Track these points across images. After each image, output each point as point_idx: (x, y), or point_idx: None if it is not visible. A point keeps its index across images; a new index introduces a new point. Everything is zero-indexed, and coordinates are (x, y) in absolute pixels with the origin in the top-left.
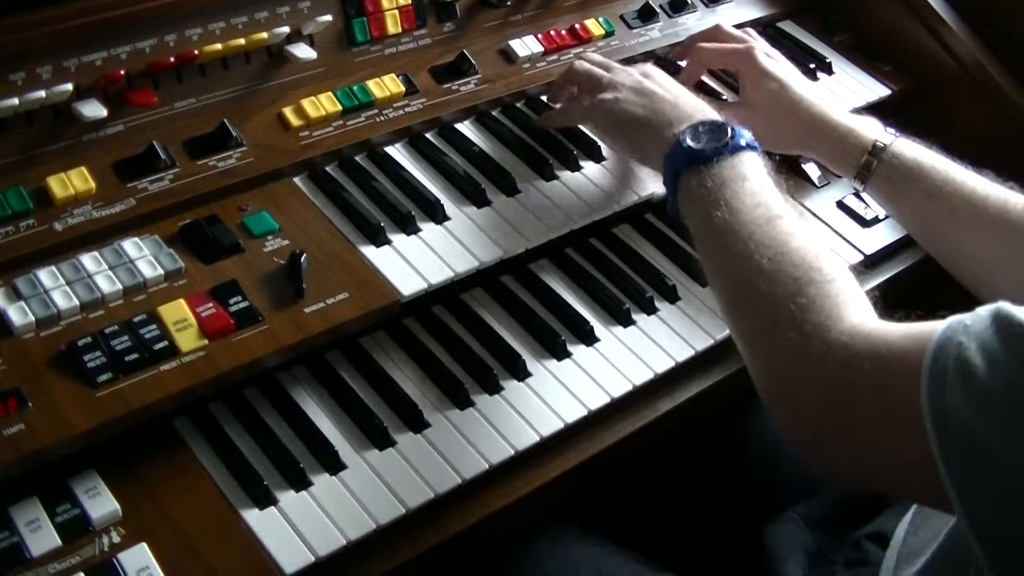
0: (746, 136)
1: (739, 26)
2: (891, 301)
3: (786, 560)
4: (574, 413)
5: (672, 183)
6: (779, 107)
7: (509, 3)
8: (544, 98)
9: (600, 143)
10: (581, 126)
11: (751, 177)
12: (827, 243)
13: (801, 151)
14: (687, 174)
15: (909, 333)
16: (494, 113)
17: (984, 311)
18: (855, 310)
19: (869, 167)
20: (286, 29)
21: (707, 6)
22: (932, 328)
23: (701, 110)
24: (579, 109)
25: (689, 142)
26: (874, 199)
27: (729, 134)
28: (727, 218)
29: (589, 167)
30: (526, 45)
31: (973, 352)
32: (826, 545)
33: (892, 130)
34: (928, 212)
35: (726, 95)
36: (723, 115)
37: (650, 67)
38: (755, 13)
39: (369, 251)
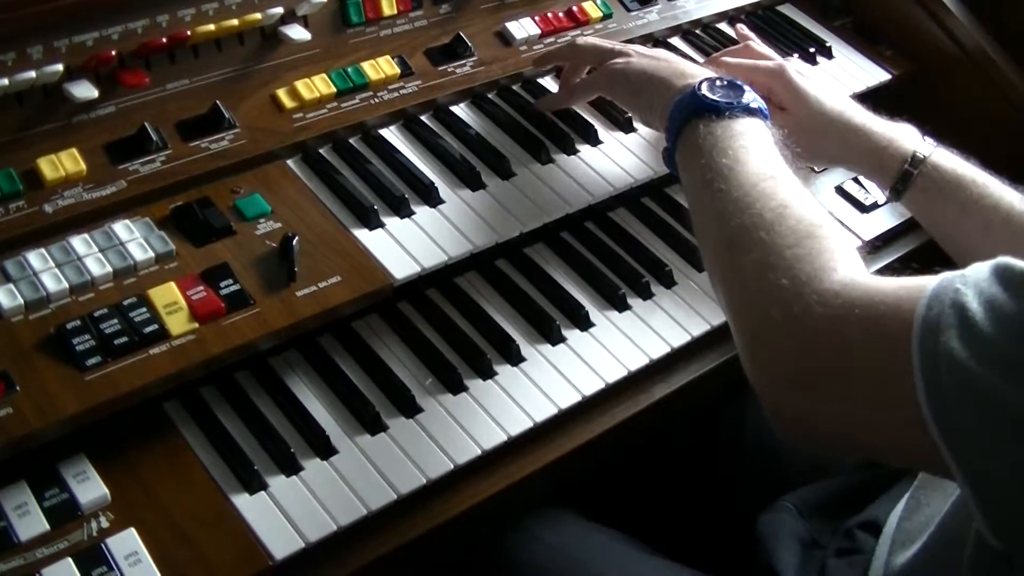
0: (761, 103)
1: (739, 11)
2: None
3: (778, 548)
4: (568, 399)
5: (676, 128)
6: (816, 124)
7: None
8: (541, 81)
9: (595, 126)
10: (583, 101)
11: (760, 138)
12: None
13: (840, 165)
14: (696, 120)
15: (903, 284)
16: (490, 96)
17: (983, 264)
18: (849, 264)
19: (907, 178)
20: (280, 10)
21: None
22: (926, 281)
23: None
24: (583, 84)
25: (705, 91)
26: (908, 210)
27: (745, 95)
28: (733, 165)
29: (585, 151)
30: (523, 27)
31: (971, 299)
32: (819, 534)
33: (930, 140)
34: (962, 226)
35: None
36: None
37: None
38: None
39: (362, 234)
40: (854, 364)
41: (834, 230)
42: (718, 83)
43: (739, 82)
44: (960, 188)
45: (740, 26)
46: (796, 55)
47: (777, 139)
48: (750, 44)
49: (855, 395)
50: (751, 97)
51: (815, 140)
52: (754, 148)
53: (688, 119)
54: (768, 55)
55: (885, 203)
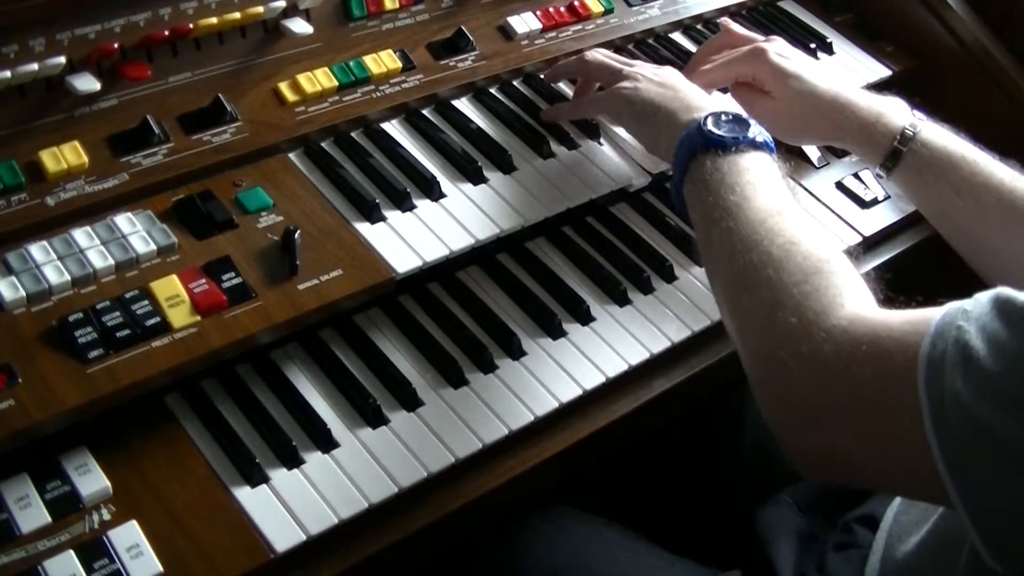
0: (766, 135)
1: (740, 6)
2: (890, 283)
3: (777, 542)
4: (569, 393)
5: (682, 164)
6: (804, 104)
7: None
8: (542, 76)
9: (596, 121)
10: (593, 115)
11: (768, 173)
12: (826, 226)
13: (831, 142)
14: (702, 156)
15: (908, 319)
16: (492, 90)
17: (983, 296)
18: (856, 298)
19: (897, 156)
20: (282, 3)
21: None
22: (931, 314)
23: (723, 103)
24: (595, 100)
25: (710, 126)
26: (897, 187)
27: (751, 129)
28: (739, 202)
29: (587, 146)
30: (525, 22)
31: (973, 336)
32: (817, 528)
33: (920, 114)
34: (953, 203)
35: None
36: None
37: (668, 68)
38: None
39: (364, 228)
40: (863, 401)
41: (841, 264)
42: (723, 118)
43: (744, 116)
44: (950, 166)
45: (724, 19)
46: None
47: (783, 172)
48: (729, 28)
49: (865, 431)
50: (756, 131)
51: (802, 120)
52: (761, 183)
53: (694, 155)
54: (749, 37)
55: (885, 199)
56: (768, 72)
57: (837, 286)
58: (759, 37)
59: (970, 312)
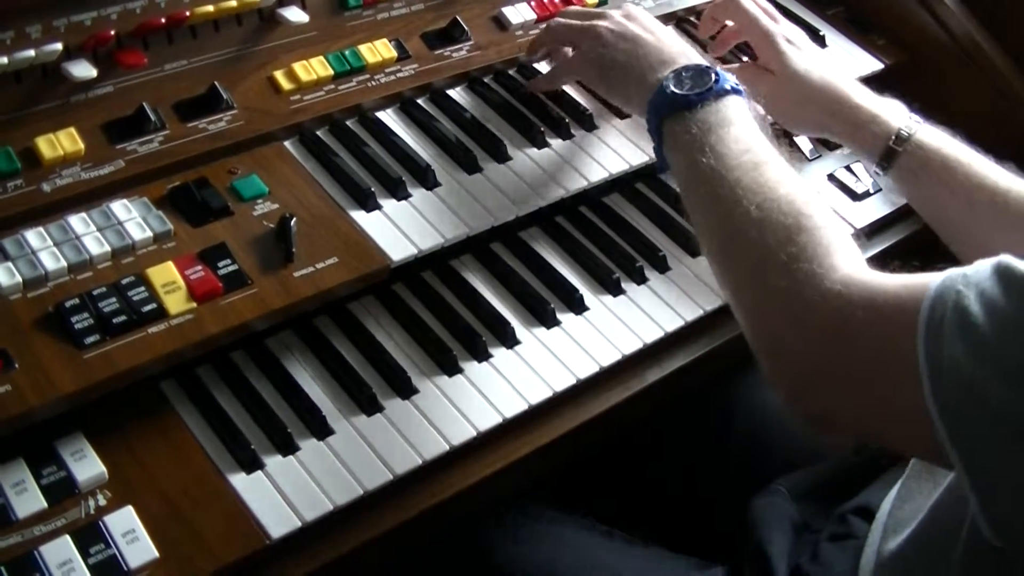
0: (730, 80)
1: None
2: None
3: (771, 532)
4: (563, 381)
5: (656, 130)
6: (800, 92)
7: None
8: (536, 65)
9: (591, 111)
10: (571, 82)
11: (736, 122)
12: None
13: (822, 134)
14: (671, 120)
15: (905, 283)
16: (486, 80)
17: (985, 263)
18: (847, 259)
19: (891, 156)
20: None
21: None
22: (929, 278)
23: (684, 53)
24: (565, 66)
25: (672, 87)
26: (893, 186)
27: (713, 78)
28: (713, 164)
29: (580, 135)
30: (519, 12)
31: (972, 301)
32: (811, 518)
33: (917, 117)
34: (947, 204)
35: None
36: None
37: (633, 8)
38: None
39: (359, 216)
40: (862, 365)
41: (823, 217)
42: (684, 74)
43: (706, 65)
44: (945, 167)
45: None
46: None
47: (756, 115)
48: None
49: (865, 396)
50: (720, 78)
51: (798, 107)
52: (731, 138)
53: (663, 119)
54: (767, 10)
55: (877, 191)
56: (774, 53)
57: (824, 244)
58: (777, 15)
59: (970, 277)
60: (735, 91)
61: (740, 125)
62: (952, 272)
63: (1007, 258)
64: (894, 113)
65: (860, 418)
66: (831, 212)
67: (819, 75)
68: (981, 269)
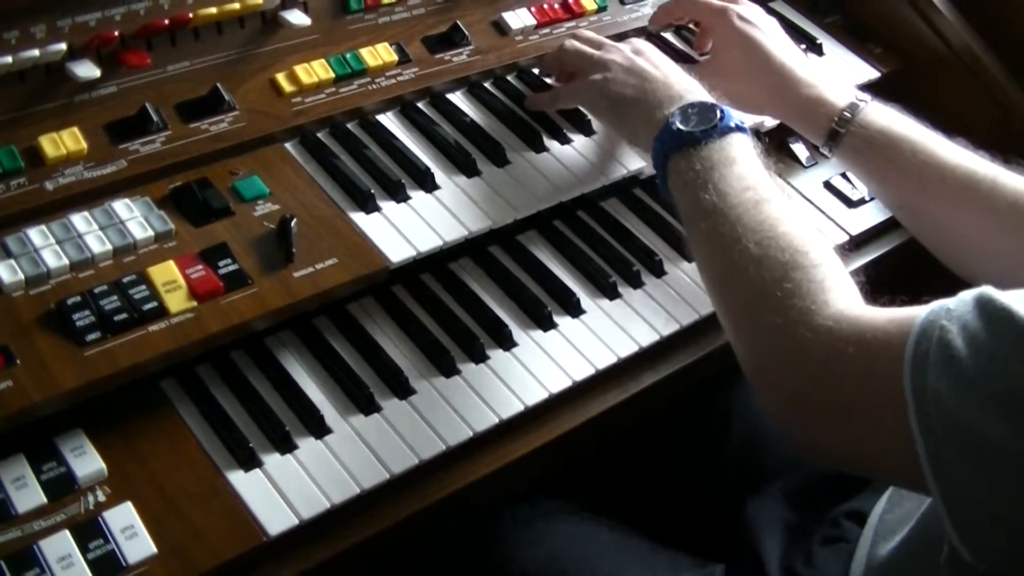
0: (735, 118)
1: None
2: (877, 282)
3: (765, 534)
4: (559, 383)
5: (661, 165)
6: (747, 70)
7: None
8: (536, 71)
9: (590, 117)
10: (570, 106)
11: (740, 160)
12: (814, 225)
13: (770, 115)
14: (676, 156)
15: (893, 318)
16: (486, 84)
17: (967, 295)
18: (841, 295)
19: (836, 137)
20: None
21: None
22: (915, 313)
23: (691, 90)
24: (570, 91)
25: (678, 124)
26: (843, 164)
27: (718, 116)
28: (715, 201)
29: (579, 140)
30: (519, 17)
31: (955, 335)
32: (805, 521)
33: (866, 96)
34: (896, 181)
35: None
36: (693, 74)
37: (641, 43)
38: None
39: (359, 218)
40: (851, 399)
41: (821, 254)
42: (691, 111)
43: (710, 102)
44: (890, 144)
45: None
46: None
47: (758, 150)
48: None
49: (853, 427)
50: (725, 116)
51: (746, 87)
52: (734, 176)
53: (669, 155)
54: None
55: (872, 198)
56: (726, 31)
57: (819, 281)
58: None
59: (953, 311)
60: (739, 128)
61: (743, 163)
62: (936, 306)
63: (988, 290)
64: (841, 93)
65: (847, 447)
66: (829, 249)
67: (766, 54)
68: (964, 302)
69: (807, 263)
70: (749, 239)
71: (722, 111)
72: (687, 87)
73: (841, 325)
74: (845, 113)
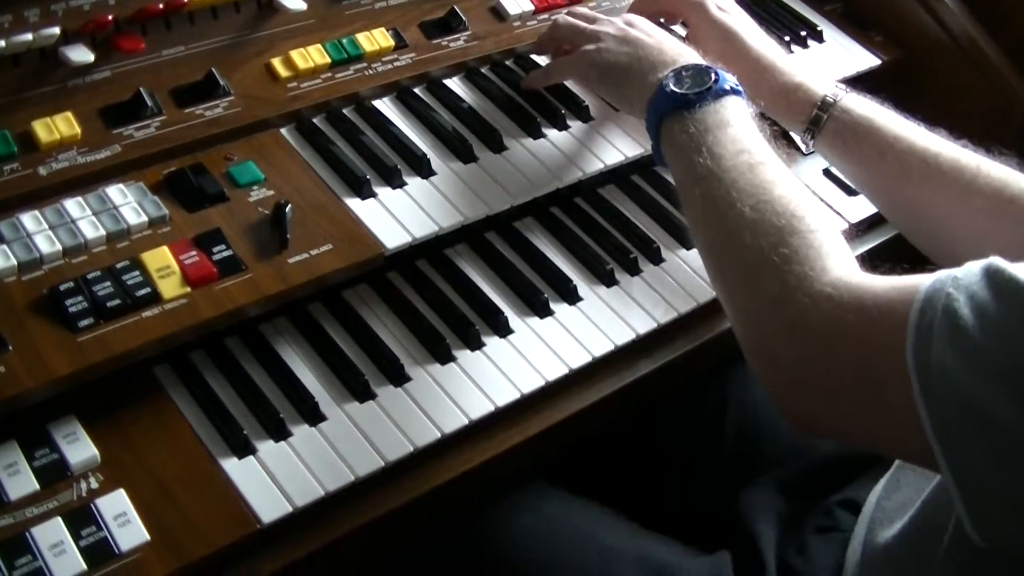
0: (730, 80)
1: None
2: (875, 269)
3: (759, 524)
4: (555, 371)
5: (655, 129)
6: (724, 58)
7: None
8: (534, 56)
9: (587, 103)
10: (568, 80)
11: (734, 123)
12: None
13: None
14: (669, 119)
15: (895, 285)
16: (483, 70)
17: (975, 265)
18: (839, 262)
19: (818, 122)
20: None
21: None
22: (919, 280)
23: (684, 54)
24: (563, 64)
25: (672, 87)
26: (824, 156)
27: (712, 78)
28: (709, 165)
29: (577, 126)
30: (517, 3)
31: (962, 304)
32: (799, 511)
33: (843, 86)
34: (879, 170)
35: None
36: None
37: (634, 16)
38: None
39: (354, 203)
40: (852, 370)
41: (817, 220)
42: (684, 73)
43: (705, 64)
44: (872, 132)
45: None
46: (787, 38)
47: (753, 113)
48: None
49: (853, 399)
50: (720, 78)
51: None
52: (728, 139)
53: (662, 118)
54: None
55: None
56: (702, 20)
57: (816, 246)
58: None
59: (960, 280)
60: (735, 91)
61: (738, 126)
62: (942, 274)
63: (997, 260)
64: (820, 82)
65: (848, 421)
66: (825, 215)
67: (744, 43)
68: (971, 271)
69: (804, 228)
70: (744, 203)
71: (717, 73)
72: (681, 51)
73: (840, 291)
74: (828, 98)
